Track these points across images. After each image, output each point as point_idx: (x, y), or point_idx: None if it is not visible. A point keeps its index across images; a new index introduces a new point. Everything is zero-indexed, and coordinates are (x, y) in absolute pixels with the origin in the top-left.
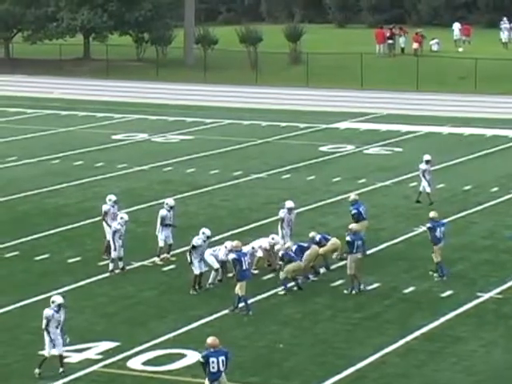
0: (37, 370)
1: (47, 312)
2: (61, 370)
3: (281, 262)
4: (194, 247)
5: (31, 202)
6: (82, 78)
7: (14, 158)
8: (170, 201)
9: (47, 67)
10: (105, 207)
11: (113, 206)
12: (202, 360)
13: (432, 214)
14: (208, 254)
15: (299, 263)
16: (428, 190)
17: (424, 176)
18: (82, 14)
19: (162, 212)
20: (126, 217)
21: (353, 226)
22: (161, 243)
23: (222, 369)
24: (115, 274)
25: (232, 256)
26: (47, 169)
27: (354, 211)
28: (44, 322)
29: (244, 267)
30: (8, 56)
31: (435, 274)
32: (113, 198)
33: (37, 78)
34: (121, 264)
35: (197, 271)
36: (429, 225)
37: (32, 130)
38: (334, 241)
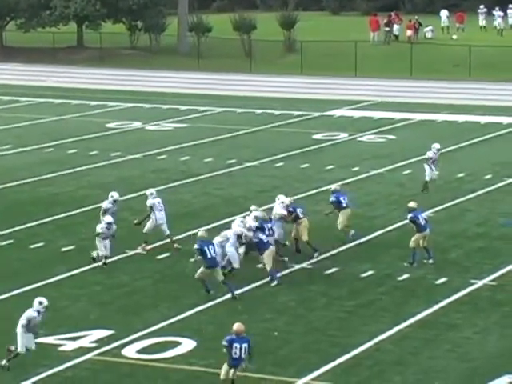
0: (4, 362)
1: (30, 313)
2: (3, 362)
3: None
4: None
5: (25, 191)
6: (76, 66)
7: (8, 146)
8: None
9: (40, 55)
10: (105, 204)
11: (113, 204)
12: (225, 343)
13: (412, 204)
14: (229, 246)
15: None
16: (428, 178)
17: (429, 164)
18: (75, 1)
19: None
20: (110, 219)
21: (333, 186)
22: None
23: (243, 356)
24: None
25: (195, 246)
26: (41, 157)
27: (332, 199)
28: (24, 322)
29: (209, 256)
30: (1, 44)
31: (430, 261)
32: (115, 195)
33: (30, 67)
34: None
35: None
36: (411, 215)
37: (25, 119)
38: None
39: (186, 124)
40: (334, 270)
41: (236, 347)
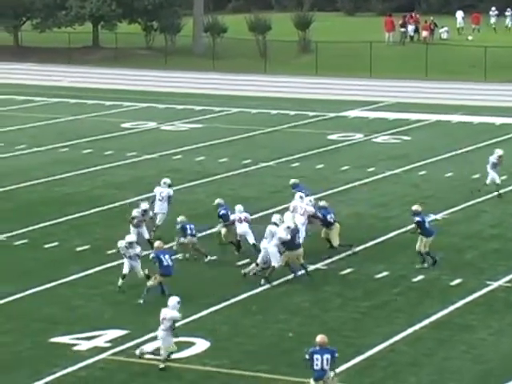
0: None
1: (173, 314)
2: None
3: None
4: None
5: (40, 191)
6: (91, 66)
7: (23, 146)
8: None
9: (56, 55)
10: (134, 212)
11: (142, 215)
12: (307, 356)
13: (416, 207)
14: (272, 247)
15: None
16: (498, 181)
17: (493, 168)
18: (91, 1)
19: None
20: (132, 238)
21: (321, 202)
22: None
23: (325, 367)
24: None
25: (152, 255)
26: (56, 157)
27: (318, 215)
28: (169, 324)
29: (165, 263)
30: (17, 44)
31: (425, 265)
32: (144, 206)
33: (45, 66)
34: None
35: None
36: (418, 218)
37: (40, 119)
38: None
39: (201, 124)
40: (348, 270)
41: (317, 359)
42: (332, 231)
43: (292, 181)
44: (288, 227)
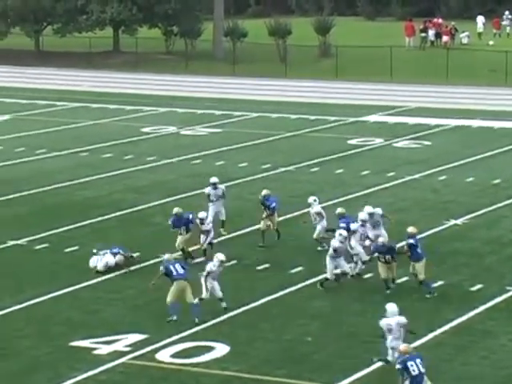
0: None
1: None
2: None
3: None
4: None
5: (61, 194)
6: (112, 70)
7: (44, 150)
8: (213, 178)
9: (77, 60)
10: (206, 226)
11: (201, 223)
12: (400, 367)
13: (411, 230)
14: (354, 243)
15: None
16: None
17: None
18: (112, 6)
19: (206, 190)
20: (221, 257)
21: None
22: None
23: (422, 370)
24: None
25: (161, 268)
26: (77, 161)
27: (342, 225)
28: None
29: (175, 272)
30: (38, 49)
31: (428, 295)
32: (201, 215)
33: (66, 71)
34: (223, 304)
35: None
36: (411, 241)
37: (61, 123)
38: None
39: (221, 129)
40: (368, 275)
41: (412, 365)
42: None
43: (338, 210)
44: (340, 234)
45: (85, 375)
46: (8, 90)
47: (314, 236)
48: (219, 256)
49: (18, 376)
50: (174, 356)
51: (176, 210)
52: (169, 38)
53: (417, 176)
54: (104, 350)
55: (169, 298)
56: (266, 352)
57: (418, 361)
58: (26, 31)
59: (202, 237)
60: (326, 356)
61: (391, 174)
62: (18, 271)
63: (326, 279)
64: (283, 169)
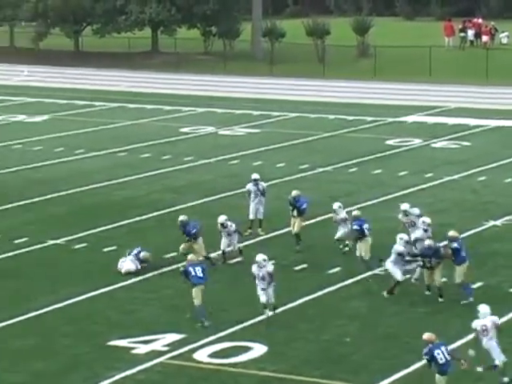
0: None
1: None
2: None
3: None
4: (399, 254)
5: (99, 194)
6: (150, 71)
7: (83, 150)
8: (255, 175)
9: (116, 60)
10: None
11: (224, 227)
12: (427, 357)
13: (452, 233)
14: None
15: None
16: None
17: None
18: (151, 7)
19: (247, 186)
20: (260, 257)
21: (354, 212)
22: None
23: (448, 358)
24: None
25: (181, 269)
26: (115, 161)
27: (355, 227)
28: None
29: (193, 274)
30: (77, 49)
31: (464, 301)
32: (221, 219)
33: (105, 71)
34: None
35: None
36: (455, 245)
37: (100, 123)
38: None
39: (259, 129)
40: (406, 276)
41: (438, 353)
42: (362, 243)
43: (354, 213)
44: (401, 238)
45: (123, 374)
46: (47, 90)
47: (336, 237)
48: (258, 257)
49: (56, 375)
50: (211, 356)
51: (182, 217)
52: (207, 39)
53: (456, 177)
54: (142, 349)
55: (196, 302)
56: (303, 352)
57: (443, 348)
58: (66, 32)
59: (225, 240)
60: (363, 357)
61: (429, 174)
62: (57, 270)
63: (398, 282)
64: (321, 169)
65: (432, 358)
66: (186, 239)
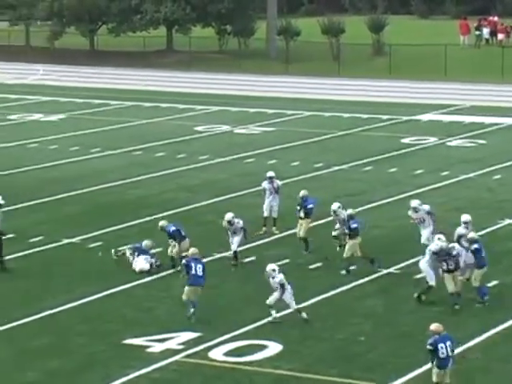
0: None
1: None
2: None
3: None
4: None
5: (114, 193)
6: (165, 69)
7: (98, 149)
8: (270, 173)
9: (131, 59)
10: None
11: (232, 224)
12: (430, 347)
13: (472, 235)
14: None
15: None
16: None
17: None
18: (166, 6)
19: (263, 184)
20: (270, 266)
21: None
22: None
23: (450, 354)
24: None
25: (183, 261)
26: (130, 160)
27: (355, 225)
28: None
29: (193, 272)
30: (93, 48)
31: (478, 305)
32: (228, 217)
33: (121, 70)
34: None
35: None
36: (476, 246)
37: (115, 122)
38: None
39: (273, 128)
40: (422, 275)
41: (442, 347)
42: (355, 242)
43: (348, 211)
44: (439, 238)
45: (138, 373)
46: (63, 89)
47: (334, 234)
48: (268, 267)
49: (71, 374)
50: (226, 354)
51: (162, 223)
52: (222, 37)
53: (471, 175)
54: (157, 347)
55: (184, 297)
56: (318, 351)
57: (448, 343)
58: (81, 31)
59: (231, 238)
60: (378, 355)
61: (445, 173)
62: (72, 269)
63: (430, 287)
64: (336, 168)
65: (435, 350)
66: (173, 243)
